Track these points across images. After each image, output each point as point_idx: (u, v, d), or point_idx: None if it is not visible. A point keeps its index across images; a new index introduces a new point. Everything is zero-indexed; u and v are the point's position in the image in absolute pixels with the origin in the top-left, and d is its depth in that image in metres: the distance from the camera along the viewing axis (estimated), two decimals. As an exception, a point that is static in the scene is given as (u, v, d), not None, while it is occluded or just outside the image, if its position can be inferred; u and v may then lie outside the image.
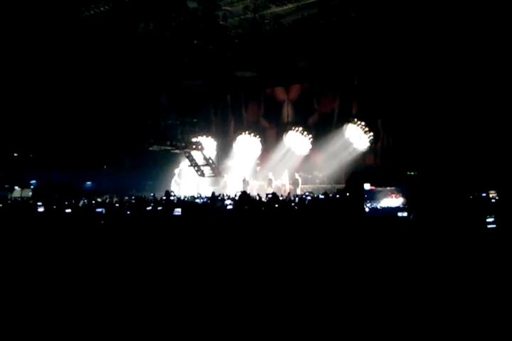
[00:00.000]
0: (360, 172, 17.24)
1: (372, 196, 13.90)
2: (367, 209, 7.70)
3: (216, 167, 22.60)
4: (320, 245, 4.76)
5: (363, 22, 15.11)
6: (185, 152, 22.20)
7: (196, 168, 22.34)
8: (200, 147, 22.30)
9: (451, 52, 15.74)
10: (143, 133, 20.04)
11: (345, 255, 4.37)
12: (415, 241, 4.51)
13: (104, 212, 6.66)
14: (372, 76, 19.40)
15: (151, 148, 21.18)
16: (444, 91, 16.81)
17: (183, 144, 21.83)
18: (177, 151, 22.35)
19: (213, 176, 22.56)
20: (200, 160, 22.47)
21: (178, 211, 5.86)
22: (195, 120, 22.83)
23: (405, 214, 6.81)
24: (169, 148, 21.61)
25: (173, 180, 22.99)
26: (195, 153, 22.52)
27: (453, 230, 4.41)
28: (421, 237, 4.59)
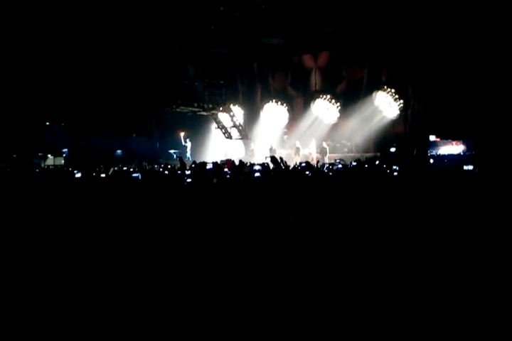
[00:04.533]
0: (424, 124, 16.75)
1: (435, 147, 14.19)
2: (431, 161, 7.74)
3: (243, 129, 22.56)
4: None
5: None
6: (213, 114, 22.22)
7: (224, 130, 22.38)
8: (227, 109, 22.19)
9: (487, 15, 15.11)
10: (170, 94, 20.09)
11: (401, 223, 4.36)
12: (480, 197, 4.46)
13: (140, 177, 6.79)
14: (402, 41, 18.80)
15: (178, 110, 21.34)
16: (475, 56, 16.23)
17: (210, 106, 21.80)
18: (204, 113, 22.42)
19: (241, 138, 22.60)
20: (227, 123, 22.47)
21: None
22: (221, 82, 22.62)
23: (471, 167, 6.74)
24: (196, 109, 21.71)
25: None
26: (222, 116, 22.50)
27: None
28: (486, 192, 4.54)
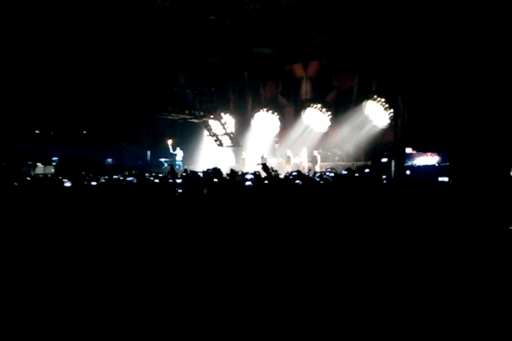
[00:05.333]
0: (401, 138, 17.31)
1: (410, 158, 14.80)
2: (408, 172, 7.99)
3: (235, 137, 22.58)
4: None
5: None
6: (204, 121, 22.22)
7: (215, 138, 22.38)
8: (218, 115, 22.21)
9: (477, 25, 15.33)
10: (161, 101, 20.09)
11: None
12: (454, 206, 4.52)
13: (135, 181, 6.78)
14: (392, 51, 19.03)
15: (169, 117, 21.30)
16: (465, 66, 16.43)
17: (201, 113, 21.81)
18: (195, 121, 22.40)
19: (232, 146, 22.62)
20: (218, 130, 22.44)
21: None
22: (212, 89, 22.64)
23: (446, 179, 6.91)
24: (187, 116, 21.67)
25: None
26: (213, 123, 22.50)
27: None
28: (460, 202, 4.60)
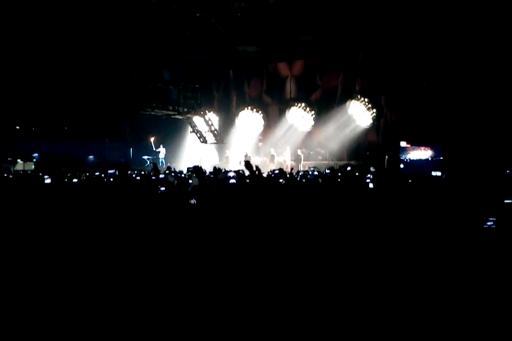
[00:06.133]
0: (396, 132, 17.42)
1: (404, 152, 15.26)
2: (402, 166, 8.19)
3: (218, 134, 22.52)
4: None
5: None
6: (188, 117, 22.11)
7: (199, 135, 22.29)
8: (202, 112, 22.10)
9: (458, 26, 15.52)
10: (145, 97, 19.93)
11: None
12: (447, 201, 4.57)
13: (116, 173, 6.72)
14: (376, 52, 19.18)
15: (153, 113, 21.14)
16: (448, 67, 16.64)
17: (186, 109, 21.67)
18: (179, 117, 22.26)
19: (216, 143, 22.55)
20: (202, 127, 22.40)
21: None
22: (197, 86, 22.53)
23: (439, 173, 7.05)
24: (171, 112, 21.52)
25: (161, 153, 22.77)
26: (197, 120, 22.43)
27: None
28: (452, 197, 4.65)
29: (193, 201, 5.71)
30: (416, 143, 15.67)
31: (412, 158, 15.46)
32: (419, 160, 15.26)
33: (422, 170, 13.54)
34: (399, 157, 15.50)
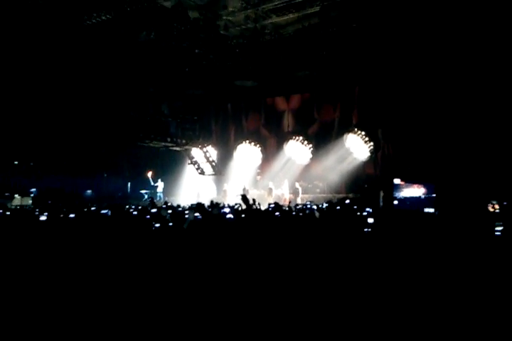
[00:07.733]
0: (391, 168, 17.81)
1: (398, 189, 15.55)
2: (396, 202, 8.36)
3: (217, 165, 22.55)
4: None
5: (363, 32, 15.20)
6: (186, 149, 22.18)
7: (197, 166, 22.30)
8: (200, 144, 22.21)
9: (452, 61, 15.84)
10: (143, 129, 20.06)
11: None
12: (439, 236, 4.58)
13: (109, 213, 6.67)
14: (372, 85, 19.50)
15: (151, 144, 21.20)
16: (444, 101, 16.87)
17: (184, 141, 21.78)
18: (177, 148, 22.36)
19: (214, 174, 22.55)
20: (200, 159, 22.43)
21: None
22: (195, 117, 22.72)
23: (432, 210, 7.14)
24: (169, 144, 21.59)
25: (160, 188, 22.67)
26: (195, 152, 22.51)
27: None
28: (444, 233, 4.66)
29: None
30: (410, 180, 16.19)
31: (405, 196, 16.01)
32: (413, 198, 15.81)
33: (414, 207, 13.96)
34: (393, 194, 15.97)
